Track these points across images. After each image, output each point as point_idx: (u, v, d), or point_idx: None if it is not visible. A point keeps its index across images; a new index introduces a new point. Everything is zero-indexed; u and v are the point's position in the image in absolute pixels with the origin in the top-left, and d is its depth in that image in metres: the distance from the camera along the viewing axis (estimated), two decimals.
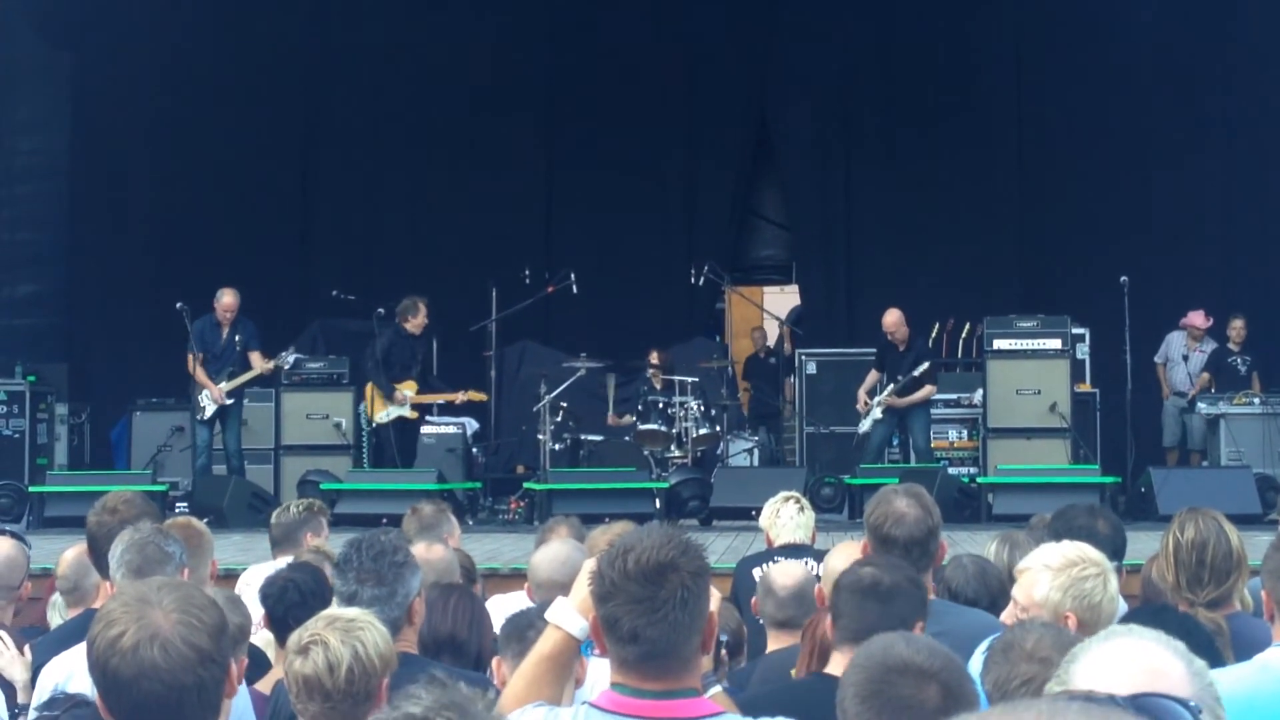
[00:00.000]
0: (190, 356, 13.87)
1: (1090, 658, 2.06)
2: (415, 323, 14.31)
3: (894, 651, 2.76)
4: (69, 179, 17.45)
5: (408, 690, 2.25)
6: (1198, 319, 15.68)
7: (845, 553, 4.83)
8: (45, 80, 17.09)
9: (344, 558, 4.19)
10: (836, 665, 3.80)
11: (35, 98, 17.00)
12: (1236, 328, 15.43)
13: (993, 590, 5.08)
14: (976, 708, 2.65)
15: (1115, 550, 4.38)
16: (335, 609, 3.73)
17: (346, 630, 3.45)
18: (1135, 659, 2.03)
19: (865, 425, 14.17)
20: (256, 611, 5.15)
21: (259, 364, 13.96)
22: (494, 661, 4.01)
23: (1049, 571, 3.80)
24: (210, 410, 13.80)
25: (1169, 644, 2.09)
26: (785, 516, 6.63)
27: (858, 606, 3.76)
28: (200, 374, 13.86)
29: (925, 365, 13.98)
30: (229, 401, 13.87)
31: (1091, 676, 2.01)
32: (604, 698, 2.89)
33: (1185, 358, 15.78)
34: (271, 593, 4.89)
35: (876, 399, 14.09)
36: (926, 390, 14.07)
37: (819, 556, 6.01)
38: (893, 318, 14.14)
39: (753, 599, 6.03)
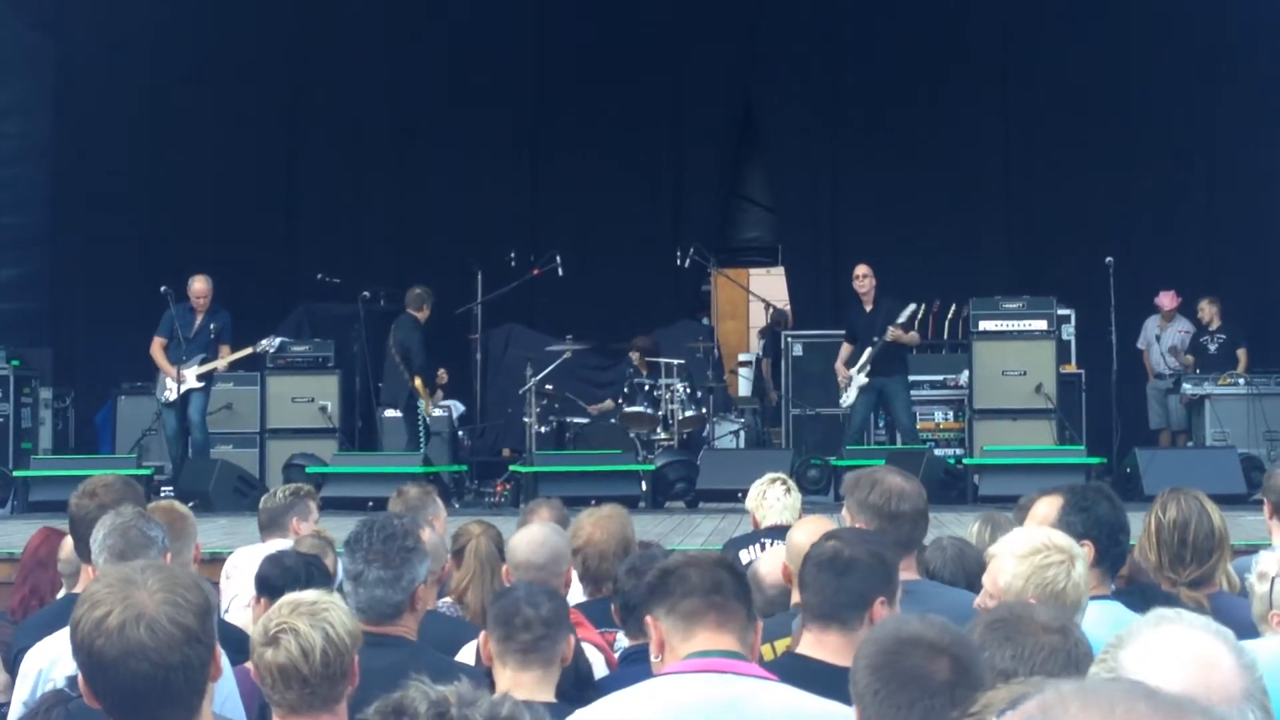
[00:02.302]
0: (155, 340, 13.83)
1: (1141, 645, 2.00)
2: (425, 313, 14.34)
3: (908, 626, 2.81)
4: (52, 162, 17.39)
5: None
6: (1164, 300, 15.73)
7: (808, 528, 4.81)
8: (28, 63, 17.02)
9: (355, 536, 4.21)
10: (806, 645, 3.79)
11: (17, 81, 16.92)
12: (1202, 308, 15.49)
13: (971, 573, 5.08)
14: (986, 685, 2.66)
15: (1114, 529, 4.37)
16: (294, 594, 3.72)
17: (313, 614, 3.43)
18: (1188, 649, 1.99)
19: (850, 398, 14.03)
20: (246, 593, 5.14)
21: (224, 357, 13.87)
22: (481, 636, 4.01)
23: (1013, 559, 3.79)
24: (173, 395, 13.71)
25: (1220, 634, 2.04)
26: (772, 498, 6.63)
27: (815, 579, 3.76)
28: (160, 357, 13.81)
29: (912, 306, 13.85)
30: (199, 385, 13.79)
31: (1142, 664, 1.96)
32: None
33: (1158, 338, 15.83)
34: (273, 573, 4.91)
35: (855, 368, 13.94)
36: (913, 335, 13.99)
37: None
38: (864, 267, 14.05)
39: None
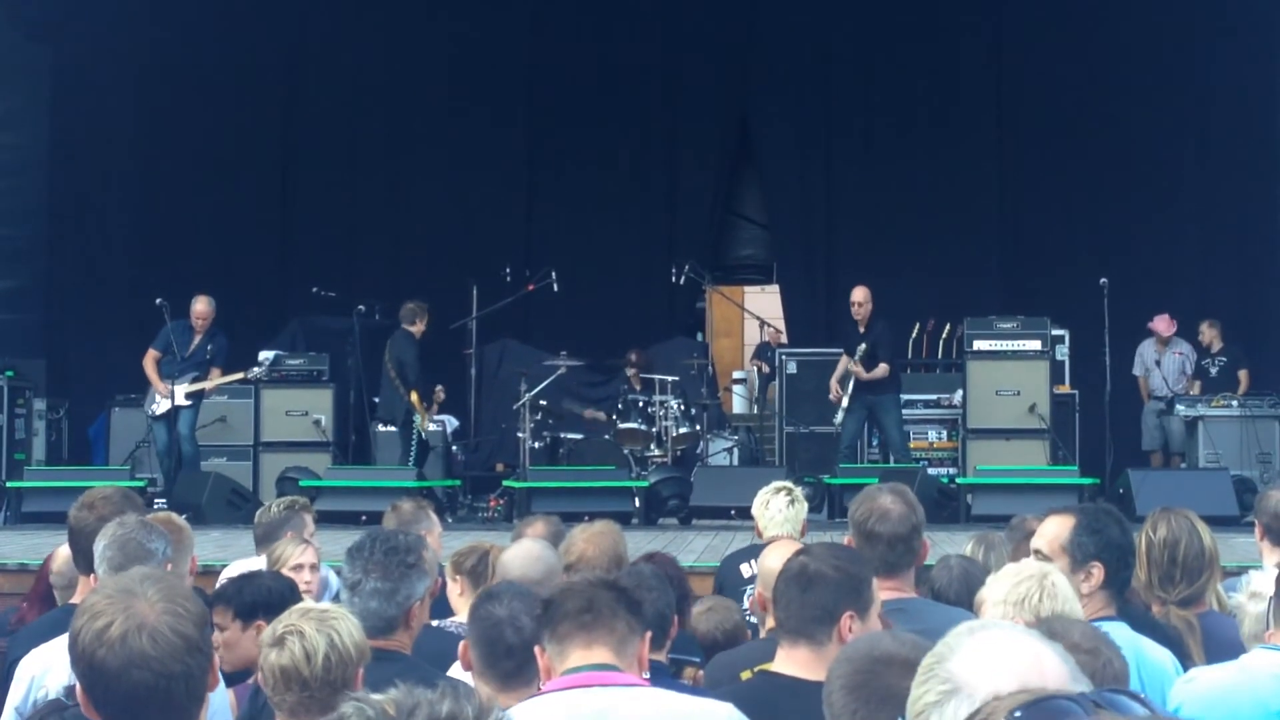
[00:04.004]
0: (149, 351, 13.84)
1: (969, 652, 2.00)
2: (419, 328, 14.34)
3: (880, 644, 2.79)
4: (47, 173, 17.39)
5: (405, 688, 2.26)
6: (1160, 325, 15.76)
7: (780, 552, 4.80)
8: (23, 75, 17.03)
9: (357, 545, 4.22)
10: (779, 661, 3.79)
11: (13, 92, 16.93)
12: (1203, 331, 15.52)
13: (976, 592, 5.08)
14: None
15: (1123, 552, 4.39)
16: (308, 603, 3.74)
17: (321, 620, 3.48)
18: (1014, 648, 1.98)
19: (839, 418, 14.13)
20: None
21: (214, 379, 13.88)
22: (461, 645, 4.00)
23: (994, 590, 3.85)
24: (162, 408, 13.71)
25: (1028, 631, 2.08)
26: (774, 509, 6.43)
27: (783, 594, 3.79)
28: (151, 370, 13.80)
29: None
30: (187, 403, 13.77)
31: (976, 669, 1.96)
32: None
33: (1158, 363, 15.86)
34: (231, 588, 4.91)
35: (848, 394, 14.00)
36: (881, 368, 13.93)
37: None
38: (860, 293, 14.05)
39: (749, 598, 5.99)
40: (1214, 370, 15.37)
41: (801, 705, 3.44)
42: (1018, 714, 1.81)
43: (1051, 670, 1.96)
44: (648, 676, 3.54)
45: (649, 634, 3.55)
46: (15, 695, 4.37)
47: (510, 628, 3.79)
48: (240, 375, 14.15)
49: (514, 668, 3.78)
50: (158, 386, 13.73)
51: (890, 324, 14.28)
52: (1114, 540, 4.31)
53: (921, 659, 2.71)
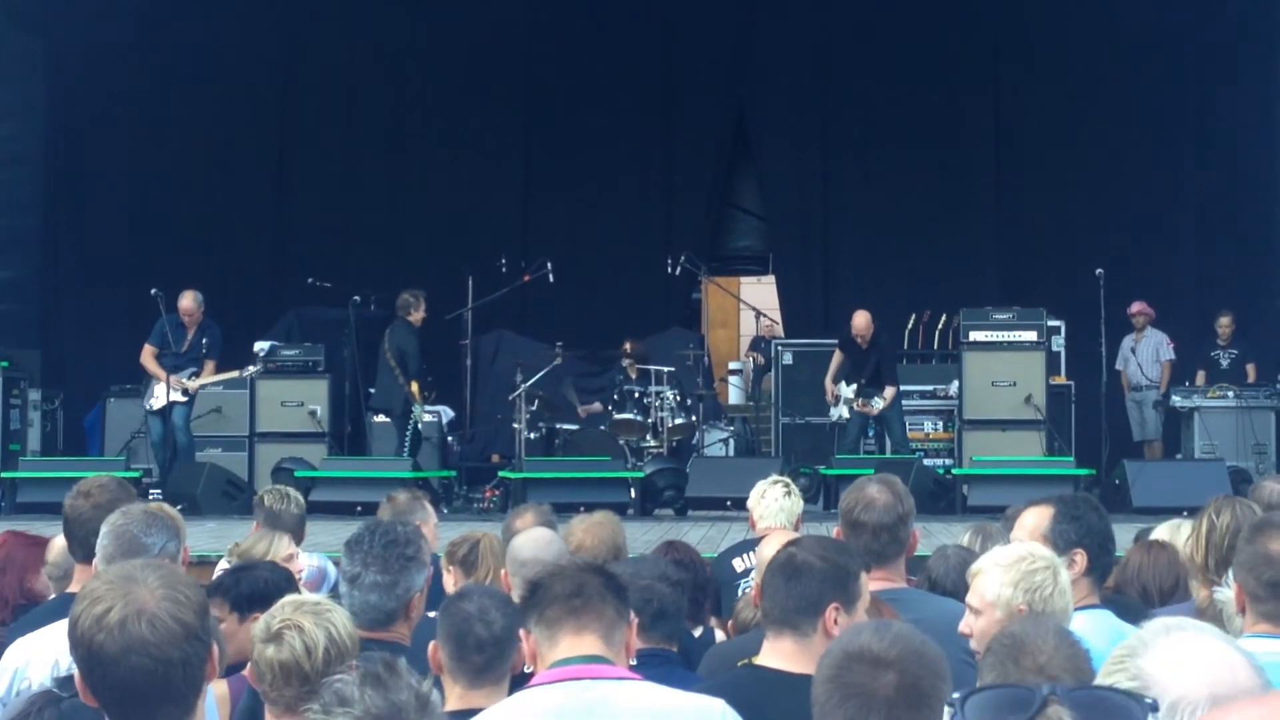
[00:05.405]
0: (146, 347, 13.82)
1: (1162, 652, 2.00)
2: (417, 316, 14.33)
3: (859, 638, 2.75)
4: (43, 164, 17.39)
5: (338, 688, 2.37)
6: (1133, 307, 15.78)
7: (778, 542, 4.79)
8: (19, 66, 17.01)
9: (356, 538, 4.21)
10: (764, 653, 3.79)
11: (9, 84, 16.92)
12: (1223, 324, 15.53)
13: None
14: (938, 700, 2.62)
15: (1104, 538, 4.40)
16: (297, 595, 3.72)
17: (316, 613, 3.47)
18: (1209, 654, 2.00)
19: (835, 415, 14.20)
20: None
21: (208, 374, 13.87)
22: (431, 646, 3.99)
23: (999, 569, 3.82)
24: (160, 402, 13.69)
25: (1226, 638, 2.07)
26: (770, 499, 6.43)
27: (769, 584, 3.79)
28: (153, 365, 13.78)
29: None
30: (184, 399, 13.75)
31: (1169, 670, 1.98)
32: None
33: (1134, 350, 15.87)
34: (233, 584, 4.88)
35: (843, 393, 14.06)
36: (890, 393, 14.02)
37: None
38: (862, 320, 14.12)
39: (744, 592, 5.98)
40: (1225, 362, 15.41)
41: (785, 698, 3.43)
42: (955, 695, 1.81)
43: (1244, 678, 1.96)
44: (634, 664, 3.54)
45: (635, 620, 3.54)
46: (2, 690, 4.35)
47: (480, 622, 3.76)
48: (234, 373, 14.12)
49: (484, 663, 3.75)
50: (160, 377, 13.68)
51: (890, 335, 14.34)
52: (1094, 527, 4.34)
53: (896, 656, 2.67)
